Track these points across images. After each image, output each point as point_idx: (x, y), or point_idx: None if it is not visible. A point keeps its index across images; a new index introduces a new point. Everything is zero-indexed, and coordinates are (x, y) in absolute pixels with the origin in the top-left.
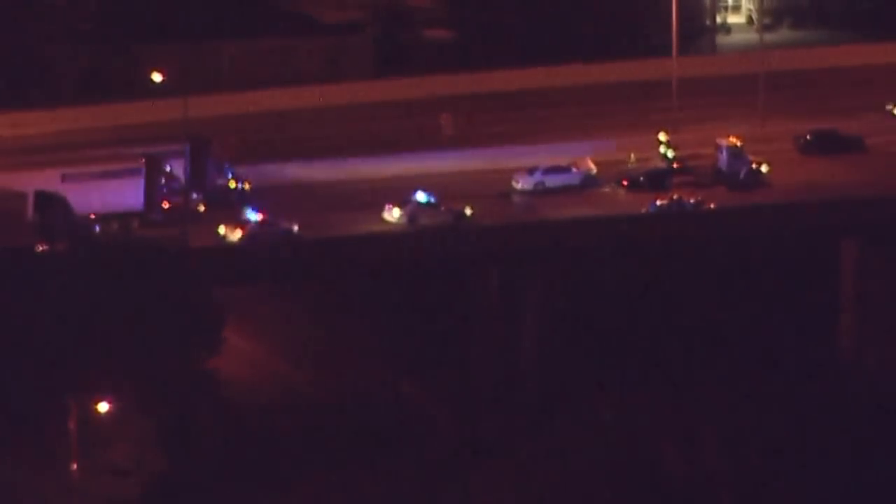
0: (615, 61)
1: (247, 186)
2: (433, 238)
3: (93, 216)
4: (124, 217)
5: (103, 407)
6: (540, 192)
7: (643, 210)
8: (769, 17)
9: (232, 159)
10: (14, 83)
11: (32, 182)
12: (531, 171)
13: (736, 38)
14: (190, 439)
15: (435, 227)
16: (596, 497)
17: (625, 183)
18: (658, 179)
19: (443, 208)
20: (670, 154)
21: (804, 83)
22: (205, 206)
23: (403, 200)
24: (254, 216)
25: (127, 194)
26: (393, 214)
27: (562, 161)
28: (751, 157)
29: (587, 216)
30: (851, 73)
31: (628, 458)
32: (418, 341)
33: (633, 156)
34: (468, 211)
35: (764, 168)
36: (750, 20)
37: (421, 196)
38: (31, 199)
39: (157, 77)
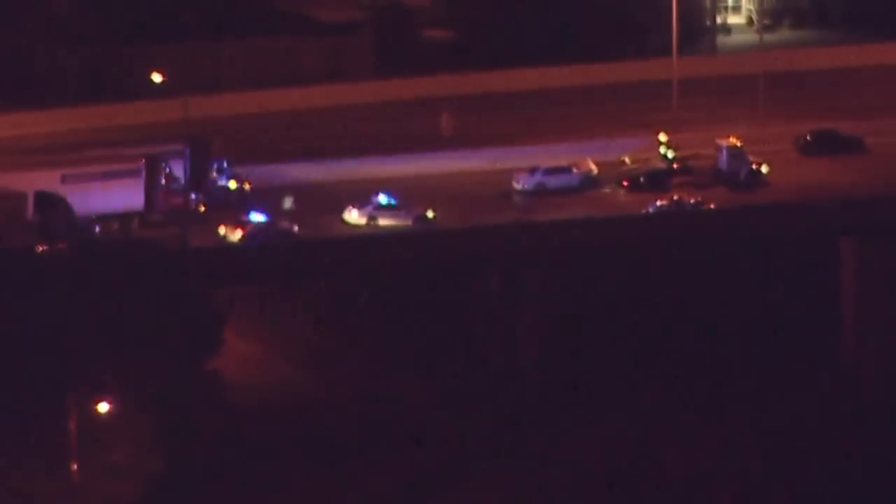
0: (615, 61)
1: (247, 186)
2: (433, 238)
3: (93, 216)
4: (124, 217)
5: (103, 407)
6: (540, 192)
7: (643, 210)
8: (769, 17)
9: (232, 159)
10: (14, 83)
11: (32, 182)
12: (532, 171)
13: (736, 38)
14: (190, 440)
15: (395, 228)
16: (596, 497)
17: (625, 183)
18: (658, 180)
19: (403, 210)
20: (670, 154)
21: (804, 83)
22: (205, 206)
23: (363, 202)
24: (259, 217)
25: (127, 194)
26: (352, 216)
27: (562, 161)
28: (751, 158)
29: (587, 216)
30: (851, 73)
31: (628, 458)
32: (418, 341)
33: (628, 159)
34: (430, 213)
35: (764, 168)
36: (750, 20)
37: (382, 198)
38: (31, 199)
39: (157, 77)
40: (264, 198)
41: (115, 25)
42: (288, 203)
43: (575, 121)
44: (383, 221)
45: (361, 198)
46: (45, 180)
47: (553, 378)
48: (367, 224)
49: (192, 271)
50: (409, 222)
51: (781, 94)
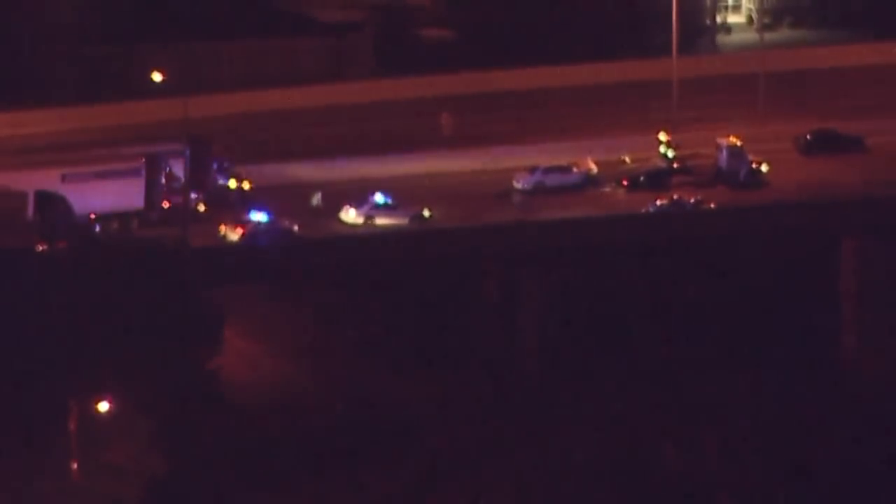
0: (615, 61)
1: (247, 186)
2: (433, 238)
3: (93, 216)
4: (124, 217)
5: (103, 407)
6: (540, 192)
7: (643, 210)
8: (769, 16)
9: (232, 159)
10: (14, 83)
11: (32, 182)
12: (531, 170)
13: (736, 37)
14: (190, 439)
15: (392, 228)
16: (596, 497)
17: (625, 183)
18: (658, 179)
19: (400, 210)
20: (670, 154)
21: (804, 83)
22: (205, 206)
23: (360, 201)
24: (258, 217)
25: (127, 194)
26: (349, 215)
27: (562, 161)
28: (751, 157)
29: (587, 216)
30: (851, 73)
31: (628, 458)
32: (418, 341)
33: (628, 158)
34: (426, 213)
35: (764, 168)
36: (750, 20)
37: (378, 197)
38: (31, 199)
39: (157, 77)
40: (263, 198)
41: (115, 25)
42: (316, 199)
43: (575, 121)
44: (380, 221)
45: (360, 198)
46: (45, 180)
47: (553, 378)
48: (365, 223)
49: (192, 271)
50: (405, 221)
51: (781, 93)
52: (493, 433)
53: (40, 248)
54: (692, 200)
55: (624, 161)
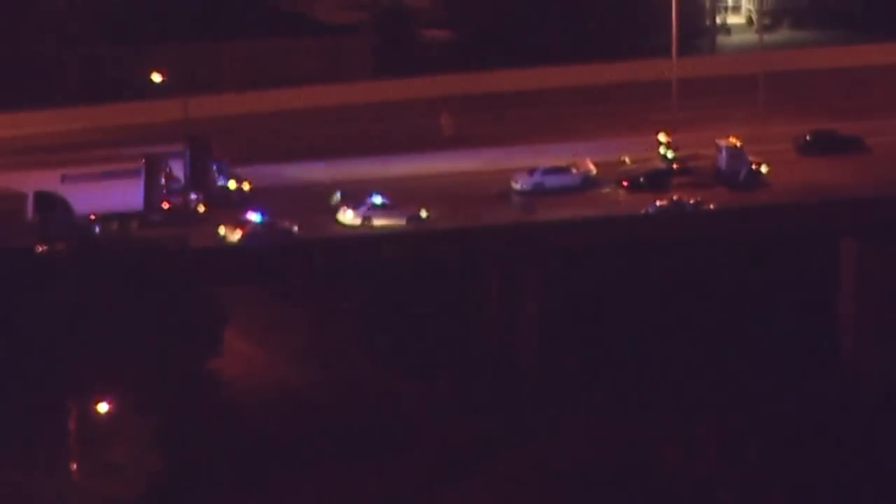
0: (615, 61)
1: (247, 187)
2: (434, 238)
3: (93, 216)
4: (124, 217)
5: (103, 407)
6: (539, 192)
7: (643, 210)
8: (769, 17)
9: (232, 159)
10: (14, 83)
11: (32, 182)
12: (531, 171)
13: (736, 38)
14: (189, 439)
15: (390, 228)
16: (596, 497)
17: (625, 183)
18: (658, 180)
19: (397, 210)
20: (670, 155)
21: (804, 83)
22: (205, 206)
23: (357, 202)
24: (255, 217)
25: (127, 194)
26: (347, 216)
27: (561, 162)
28: (751, 158)
29: (587, 216)
30: (851, 73)
31: (628, 458)
32: (418, 341)
33: (628, 159)
34: (423, 213)
35: (764, 168)
36: (750, 20)
37: (376, 198)
38: (31, 199)
39: (157, 77)
40: (263, 198)
41: (115, 25)
42: (336, 198)
43: (575, 121)
44: (378, 221)
45: (360, 198)
46: (45, 180)
47: (552, 378)
48: (363, 224)
49: (192, 271)
50: (403, 222)
51: (781, 94)
52: (493, 433)
53: (40, 248)
54: (692, 201)
55: (624, 162)
